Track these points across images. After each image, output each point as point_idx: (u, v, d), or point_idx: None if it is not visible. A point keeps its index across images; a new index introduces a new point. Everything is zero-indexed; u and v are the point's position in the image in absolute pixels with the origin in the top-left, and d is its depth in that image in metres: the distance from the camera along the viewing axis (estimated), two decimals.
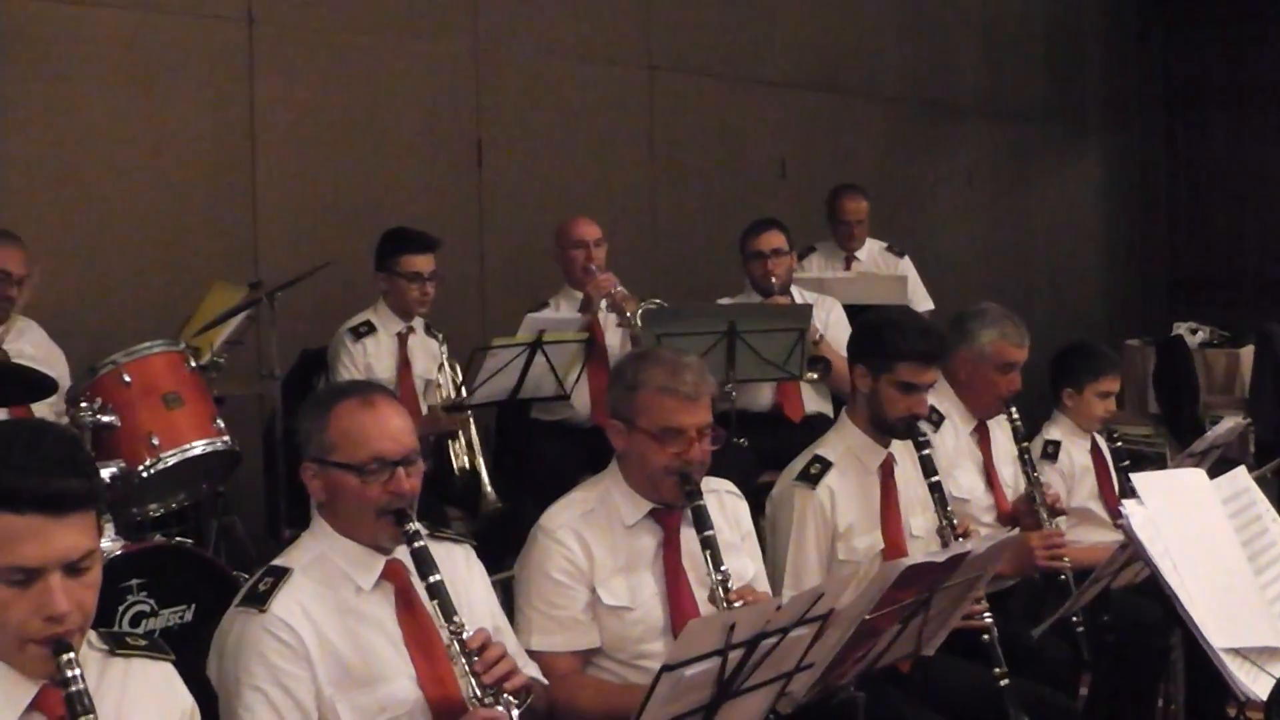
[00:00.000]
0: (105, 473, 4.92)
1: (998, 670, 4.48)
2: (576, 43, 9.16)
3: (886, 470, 4.79)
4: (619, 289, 6.88)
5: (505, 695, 3.34)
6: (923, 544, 4.76)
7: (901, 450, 4.86)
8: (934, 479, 4.72)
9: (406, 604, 3.53)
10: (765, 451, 6.54)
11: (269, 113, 7.62)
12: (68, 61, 6.94)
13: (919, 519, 4.85)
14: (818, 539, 4.64)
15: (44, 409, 5.63)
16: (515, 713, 3.34)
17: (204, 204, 7.40)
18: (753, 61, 10.26)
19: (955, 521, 4.68)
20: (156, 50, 7.23)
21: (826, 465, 4.70)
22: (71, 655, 2.59)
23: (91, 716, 2.57)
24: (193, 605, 5.06)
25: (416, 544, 3.44)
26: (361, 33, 8.05)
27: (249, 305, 6.07)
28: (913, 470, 4.85)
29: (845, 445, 4.80)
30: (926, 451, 4.74)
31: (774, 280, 7.21)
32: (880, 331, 4.84)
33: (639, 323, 6.73)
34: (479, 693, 3.33)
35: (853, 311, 7.31)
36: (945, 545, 4.57)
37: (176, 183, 7.29)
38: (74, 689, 2.57)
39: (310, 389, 6.58)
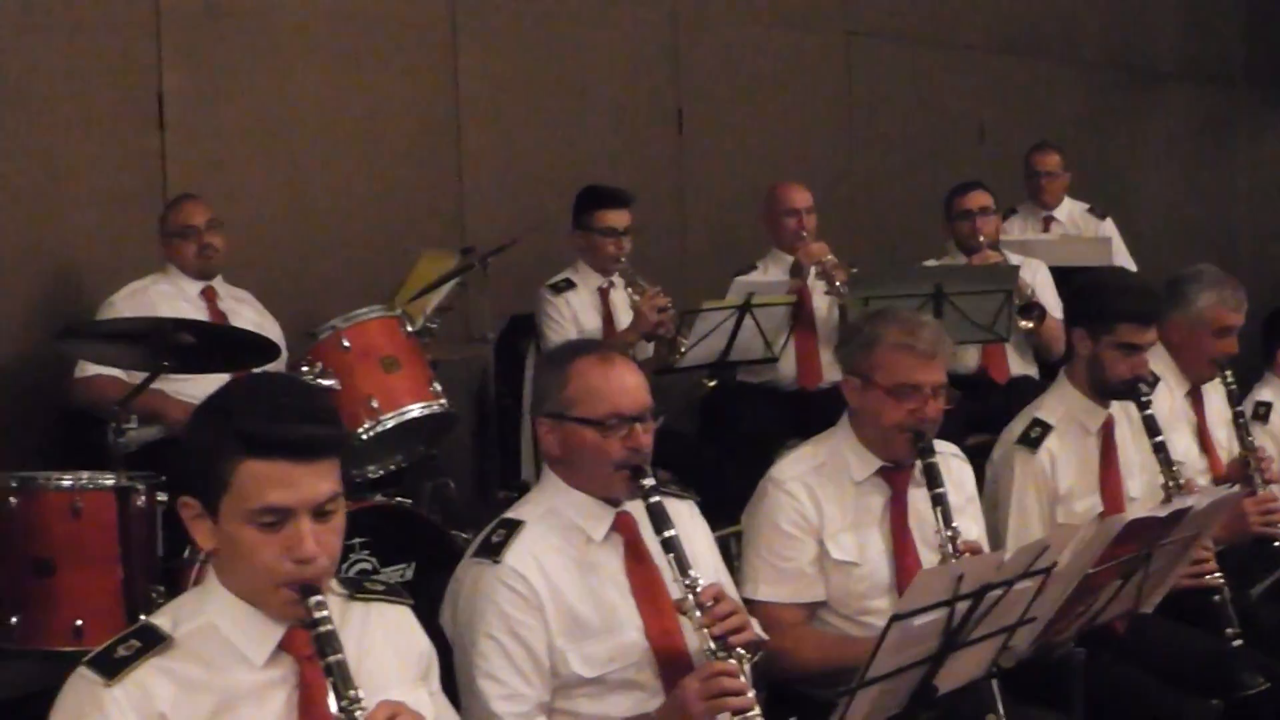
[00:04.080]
0: None
1: (1230, 631, 4.42)
2: (774, 8, 9.15)
3: (1107, 432, 4.75)
4: (830, 257, 6.88)
5: (737, 649, 3.37)
6: (1139, 507, 4.68)
7: (1118, 412, 4.82)
8: (1158, 439, 4.67)
9: (635, 556, 3.58)
10: (971, 414, 6.50)
11: (472, 82, 7.72)
12: (276, 35, 7.08)
13: (1135, 481, 4.81)
14: (1039, 503, 4.64)
15: None
16: (746, 666, 3.38)
17: (410, 173, 7.52)
18: (950, 26, 10.18)
19: (1182, 481, 4.62)
20: (362, 22, 7.35)
21: (1047, 428, 4.68)
22: (321, 598, 2.65)
23: (340, 656, 2.63)
24: (412, 564, 5.16)
25: (652, 499, 3.48)
26: (562, 1, 8.12)
27: (462, 271, 6.16)
28: (1129, 433, 4.80)
29: (1065, 408, 4.77)
30: (1149, 411, 4.68)
31: (981, 239, 7.18)
32: (1100, 293, 4.80)
33: (848, 290, 6.73)
34: (712, 645, 3.36)
35: (1056, 274, 7.26)
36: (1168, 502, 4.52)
37: (383, 153, 7.42)
38: (323, 629, 2.64)
39: (519, 353, 6.69)
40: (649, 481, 3.50)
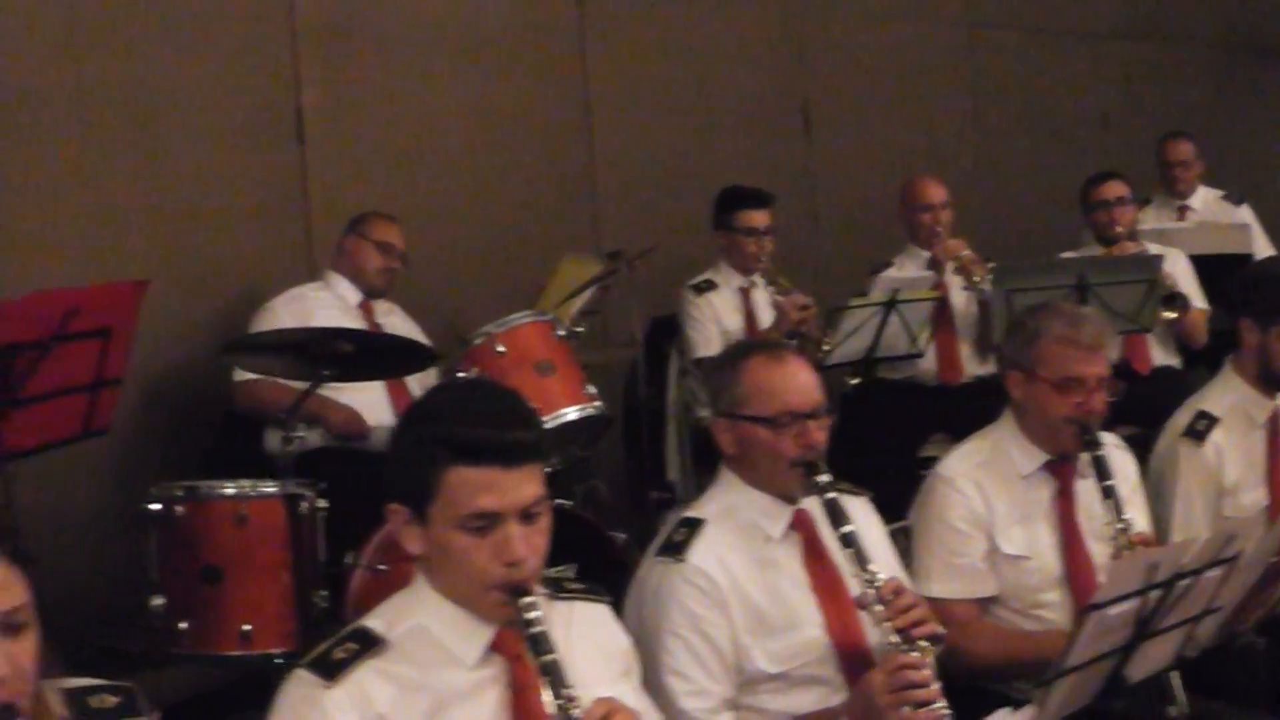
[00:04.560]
0: None
1: None
2: (897, 3, 9.15)
3: (1274, 423, 4.69)
4: (967, 253, 6.87)
5: (920, 641, 3.39)
6: None
7: None
8: None
9: (814, 553, 3.60)
10: (1115, 406, 6.44)
11: (602, 86, 7.78)
12: (408, 47, 7.16)
13: None
14: (1204, 496, 4.59)
15: (412, 382, 5.86)
16: (930, 658, 3.39)
17: (544, 178, 7.59)
18: (1072, 15, 10.12)
19: None
20: (491, 31, 7.43)
21: (1213, 421, 4.63)
22: (532, 599, 2.69)
23: (554, 655, 2.67)
24: (575, 564, 5.19)
25: (828, 494, 3.50)
26: (687, 3, 8.16)
27: (609, 274, 6.21)
28: None
29: (1231, 399, 4.70)
30: None
31: (1119, 229, 7.13)
32: (1267, 283, 4.75)
33: (987, 286, 6.72)
34: (895, 639, 3.38)
35: (1195, 263, 7.20)
36: None
37: (516, 159, 7.48)
38: (536, 630, 2.68)
39: (662, 354, 6.73)
40: (824, 478, 3.51)
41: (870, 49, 9.00)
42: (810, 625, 3.54)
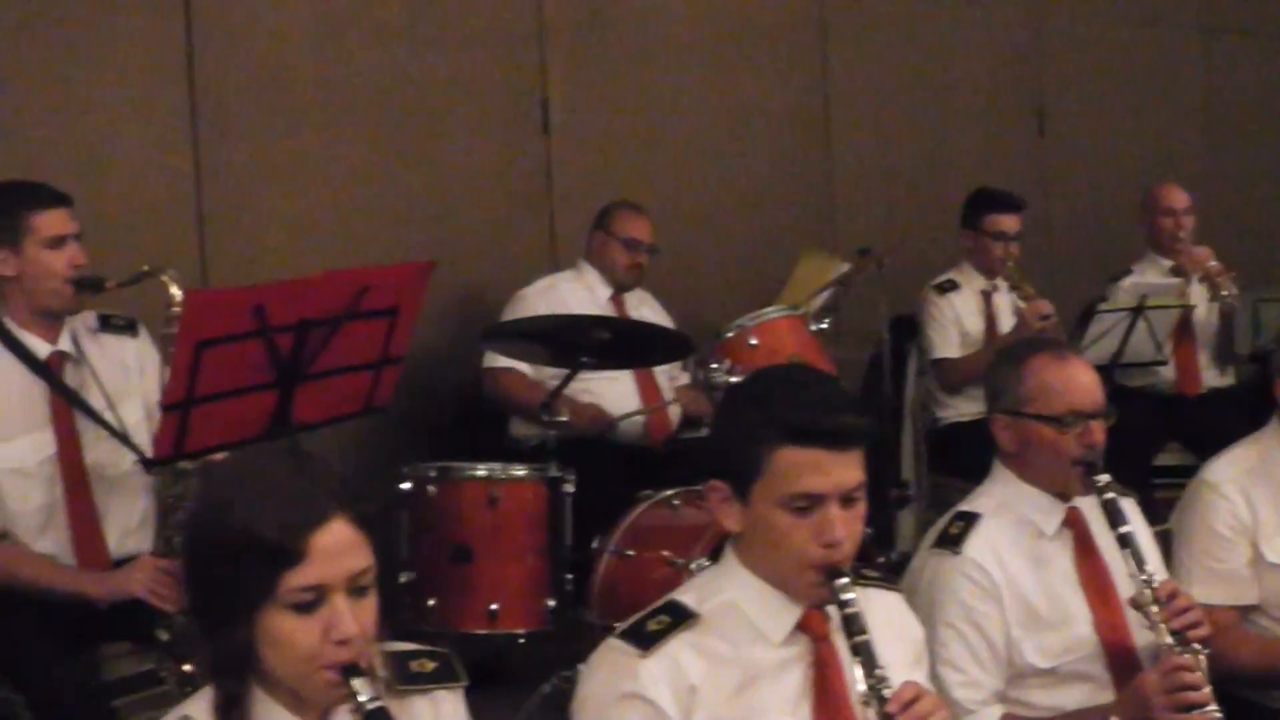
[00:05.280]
0: None
1: None
2: (1131, 6, 9.06)
3: None
4: (1214, 263, 6.81)
5: (1193, 644, 3.39)
6: None
7: None
8: None
9: (1085, 551, 3.63)
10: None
11: (842, 83, 7.83)
12: (653, 41, 7.27)
13: None
14: None
15: (660, 374, 5.94)
16: (1203, 660, 3.39)
17: (782, 174, 7.65)
18: None
19: None
20: (735, 27, 7.51)
21: None
22: (847, 580, 2.76)
23: (866, 636, 2.73)
24: None
25: (1107, 494, 3.53)
26: (928, 1, 8.18)
27: (858, 271, 6.25)
28: None
29: None
30: None
31: None
32: None
33: (1233, 297, 6.66)
34: (1170, 640, 3.39)
35: None
36: None
37: (756, 155, 7.56)
38: (851, 610, 2.74)
39: (902, 353, 6.75)
40: (1105, 478, 3.55)
41: (1105, 52, 8.92)
42: (1080, 622, 3.57)
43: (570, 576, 5.09)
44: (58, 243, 4.27)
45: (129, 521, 4.45)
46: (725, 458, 2.84)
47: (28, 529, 4.29)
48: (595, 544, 5.16)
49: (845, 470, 2.76)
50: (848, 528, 2.77)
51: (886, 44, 8.02)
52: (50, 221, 4.28)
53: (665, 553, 4.95)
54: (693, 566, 4.73)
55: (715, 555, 4.73)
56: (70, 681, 4.07)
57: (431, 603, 5.00)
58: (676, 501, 5.19)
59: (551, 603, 5.05)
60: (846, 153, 7.84)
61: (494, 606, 5.00)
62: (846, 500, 2.77)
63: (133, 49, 5.78)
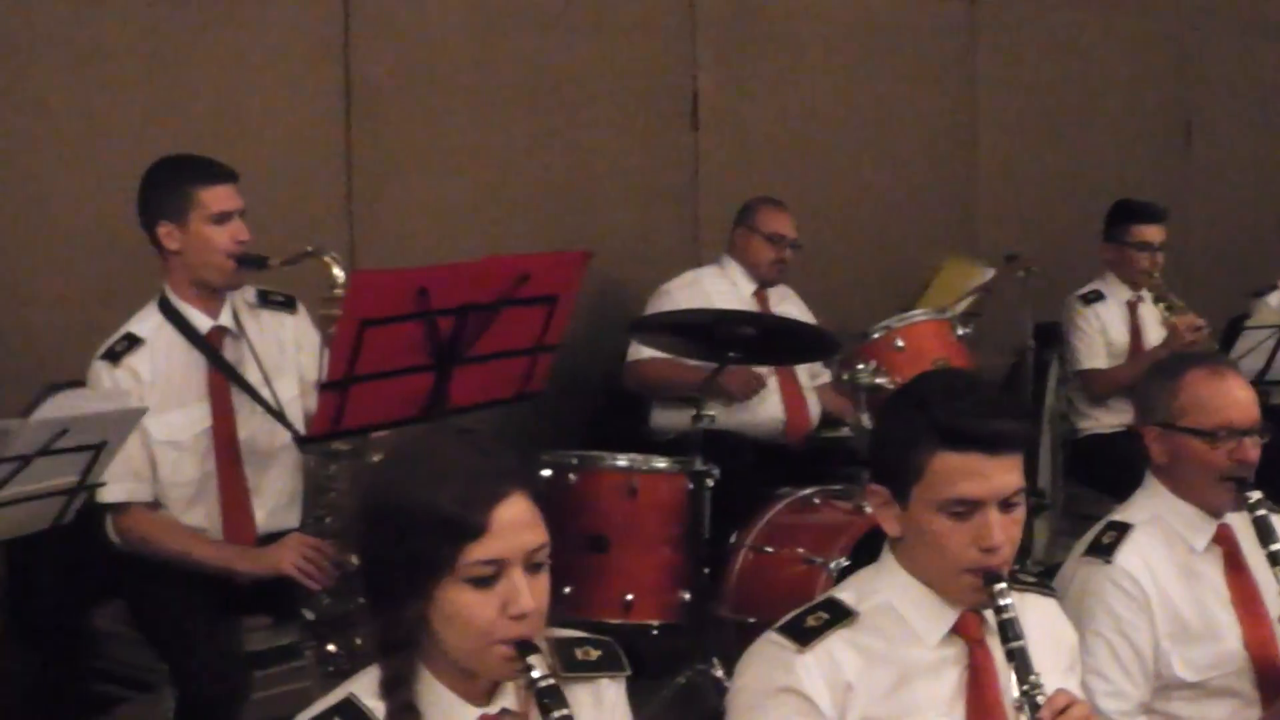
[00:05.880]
0: None
1: None
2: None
3: None
4: None
5: None
6: None
7: None
8: None
9: (1235, 567, 3.62)
10: None
11: (990, 89, 7.83)
12: (803, 39, 7.30)
13: None
14: None
15: (801, 373, 5.95)
16: None
17: (924, 179, 7.67)
18: None
19: None
20: (884, 30, 7.54)
21: None
22: (1005, 585, 2.76)
23: (1022, 642, 2.73)
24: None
25: (1259, 512, 3.52)
26: (1077, 9, 8.16)
27: (1004, 278, 6.24)
28: None
29: None
30: None
31: None
32: None
33: None
34: None
35: None
36: None
37: (899, 158, 7.58)
38: (1008, 615, 2.75)
39: (1044, 363, 6.72)
40: (1255, 495, 3.53)
41: (1254, 65, 8.84)
42: (1230, 637, 3.56)
43: (706, 571, 5.09)
44: (223, 218, 4.30)
45: (278, 499, 4.50)
46: (885, 462, 2.86)
47: (178, 501, 4.35)
48: (732, 539, 5.19)
49: (1004, 475, 2.76)
50: (1006, 533, 2.77)
51: (1035, 52, 8.02)
52: (216, 197, 4.31)
53: (801, 550, 4.98)
54: (831, 566, 4.74)
55: (854, 555, 4.80)
56: (215, 654, 4.14)
57: (566, 590, 4.99)
58: (816, 500, 5.21)
59: (686, 596, 5.07)
60: (991, 159, 7.83)
61: (629, 597, 5.04)
62: (1005, 505, 2.77)
63: (292, 32, 5.86)
